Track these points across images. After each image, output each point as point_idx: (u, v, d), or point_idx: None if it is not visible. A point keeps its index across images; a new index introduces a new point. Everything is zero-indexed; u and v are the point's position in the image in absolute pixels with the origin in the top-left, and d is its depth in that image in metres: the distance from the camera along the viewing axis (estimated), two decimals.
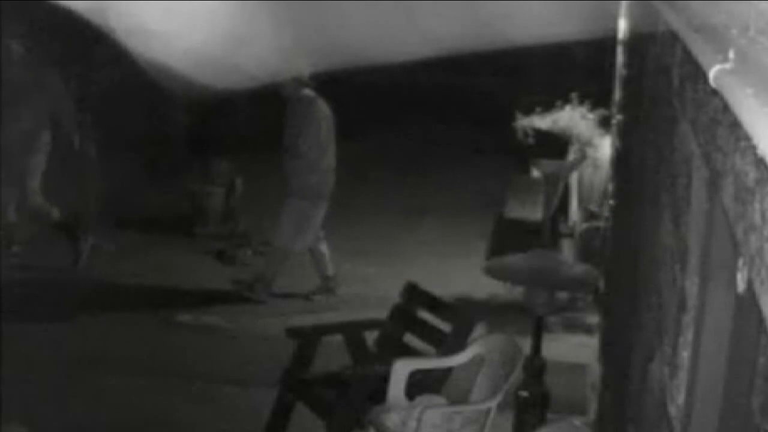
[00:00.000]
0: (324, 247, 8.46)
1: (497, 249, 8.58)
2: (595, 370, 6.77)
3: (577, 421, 5.91)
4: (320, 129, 8.11)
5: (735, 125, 1.84)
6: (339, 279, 8.54)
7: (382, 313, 6.03)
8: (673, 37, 3.02)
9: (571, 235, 9.15)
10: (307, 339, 5.75)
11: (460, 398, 5.29)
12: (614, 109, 7.47)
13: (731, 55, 1.86)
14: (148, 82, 8.58)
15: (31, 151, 8.60)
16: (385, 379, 5.16)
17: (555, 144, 8.24)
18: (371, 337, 5.88)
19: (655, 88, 4.04)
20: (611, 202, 7.09)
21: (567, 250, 8.76)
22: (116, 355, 7.06)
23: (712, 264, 2.39)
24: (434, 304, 5.87)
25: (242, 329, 7.68)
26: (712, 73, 1.89)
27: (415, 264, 8.69)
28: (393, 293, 6.06)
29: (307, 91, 8.14)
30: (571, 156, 8.44)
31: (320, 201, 8.24)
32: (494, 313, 7.48)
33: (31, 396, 6.15)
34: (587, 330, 7.69)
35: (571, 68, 11.32)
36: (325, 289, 8.44)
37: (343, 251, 9.38)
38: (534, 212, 9.09)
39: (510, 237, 8.82)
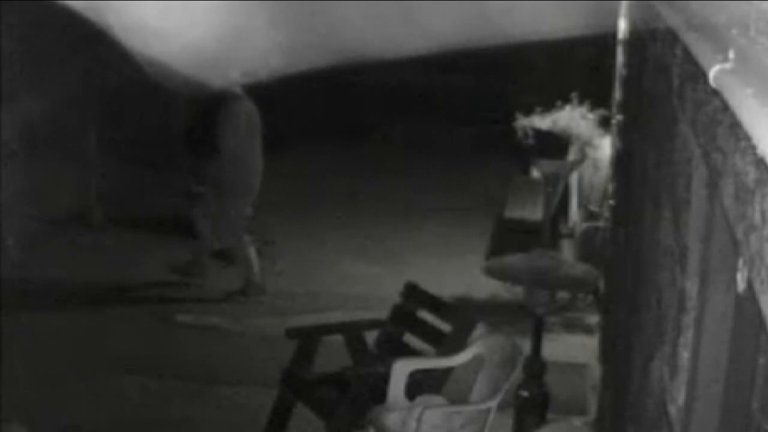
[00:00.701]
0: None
1: (497, 249, 8.58)
2: (595, 370, 6.77)
3: (577, 421, 5.92)
4: (240, 126, 8.10)
5: (735, 125, 1.84)
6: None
7: (382, 313, 6.02)
8: (673, 36, 3.02)
9: (571, 235, 9.15)
10: (307, 339, 5.75)
11: (460, 398, 5.29)
12: (614, 109, 7.47)
13: (731, 55, 1.86)
14: (147, 80, 8.57)
15: None
16: (385, 379, 5.16)
17: (555, 144, 8.24)
18: (371, 337, 5.88)
19: (655, 88, 4.04)
20: (611, 202, 7.09)
21: (567, 250, 8.76)
22: (116, 355, 7.06)
23: (712, 264, 2.39)
24: (434, 304, 5.87)
25: (242, 329, 7.68)
26: (712, 73, 1.89)
27: (415, 264, 8.70)
28: (393, 293, 6.06)
29: (232, 88, 8.15)
30: (571, 156, 8.43)
31: (242, 198, 8.23)
32: (494, 313, 7.48)
33: (31, 396, 6.15)
34: (587, 330, 7.69)
35: (571, 68, 11.31)
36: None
37: (343, 251, 9.39)
38: (534, 212, 9.08)
39: (510, 237, 8.82)
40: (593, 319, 7.70)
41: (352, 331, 5.83)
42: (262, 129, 8.31)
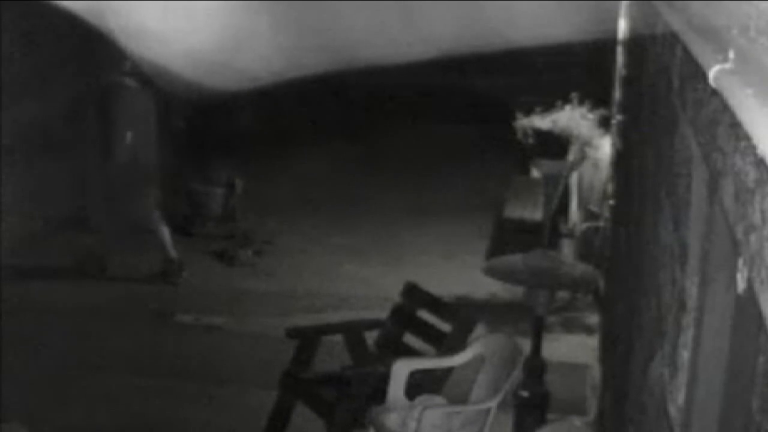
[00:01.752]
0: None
1: (497, 249, 8.58)
2: (595, 370, 6.77)
3: (577, 421, 5.92)
4: (134, 117, 8.17)
5: (735, 125, 1.84)
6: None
7: (382, 313, 6.03)
8: (673, 37, 3.02)
9: (571, 235, 9.14)
10: (307, 339, 5.75)
11: (460, 398, 5.29)
12: (614, 109, 7.47)
13: (731, 55, 1.86)
14: (147, 83, 8.58)
15: None
16: (385, 379, 5.16)
17: (555, 144, 8.23)
18: (371, 337, 5.88)
19: (655, 88, 4.04)
20: (611, 202, 7.09)
21: (567, 250, 8.75)
22: (116, 355, 7.06)
23: (712, 264, 2.39)
24: (434, 304, 5.87)
25: (242, 329, 7.68)
26: (712, 73, 1.89)
27: (415, 264, 8.70)
28: (393, 293, 6.06)
29: (129, 80, 8.16)
30: (571, 156, 8.42)
31: (140, 187, 8.38)
32: (494, 313, 7.48)
33: (31, 396, 6.15)
34: (587, 330, 7.69)
35: (571, 68, 11.31)
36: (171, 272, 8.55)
37: (343, 251, 9.39)
38: (534, 212, 9.08)
39: (510, 237, 8.82)
40: (593, 319, 7.70)
41: (352, 331, 5.83)
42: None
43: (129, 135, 8.17)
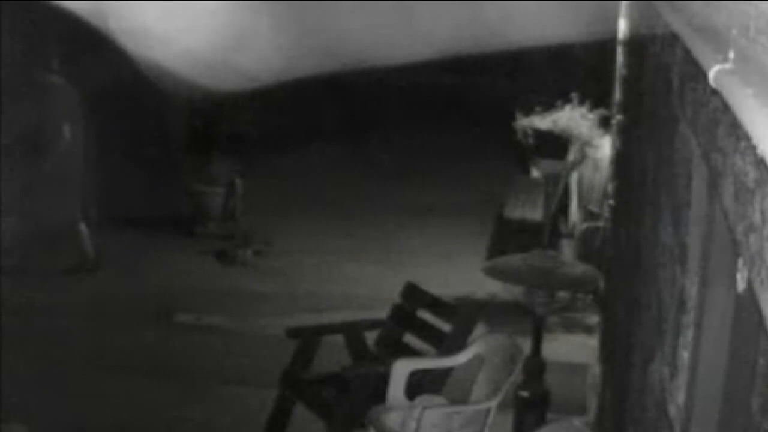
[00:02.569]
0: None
1: (497, 249, 8.59)
2: (595, 370, 6.77)
3: (577, 421, 5.91)
4: (68, 114, 8.27)
5: (735, 125, 1.84)
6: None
7: (382, 313, 6.03)
8: (673, 37, 3.02)
9: (571, 235, 9.15)
10: (307, 339, 5.75)
11: (460, 398, 5.29)
12: (614, 109, 7.47)
13: (731, 55, 1.86)
14: (147, 83, 8.58)
15: None
16: (385, 379, 5.16)
17: (555, 144, 8.24)
18: (371, 337, 5.88)
19: (655, 88, 4.04)
20: (611, 202, 7.09)
21: (567, 250, 8.76)
22: (116, 354, 7.06)
23: (712, 264, 2.40)
24: (434, 304, 5.87)
25: (242, 329, 7.68)
26: (712, 73, 1.89)
27: (415, 264, 8.70)
28: (393, 293, 6.06)
29: (57, 78, 8.18)
30: (571, 156, 8.43)
31: (75, 181, 8.52)
32: (494, 313, 7.48)
33: (31, 396, 6.15)
34: (587, 330, 7.69)
35: (571, 68, 11.31)
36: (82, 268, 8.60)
37: (343, 251, 9.39)
38: (534, 212, 9.08)
39: (510, 237, 8.82)
40: (593, 319, 7.70)
41: (352, 331, 5.83)
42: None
43: (66, 129, 8.22)
